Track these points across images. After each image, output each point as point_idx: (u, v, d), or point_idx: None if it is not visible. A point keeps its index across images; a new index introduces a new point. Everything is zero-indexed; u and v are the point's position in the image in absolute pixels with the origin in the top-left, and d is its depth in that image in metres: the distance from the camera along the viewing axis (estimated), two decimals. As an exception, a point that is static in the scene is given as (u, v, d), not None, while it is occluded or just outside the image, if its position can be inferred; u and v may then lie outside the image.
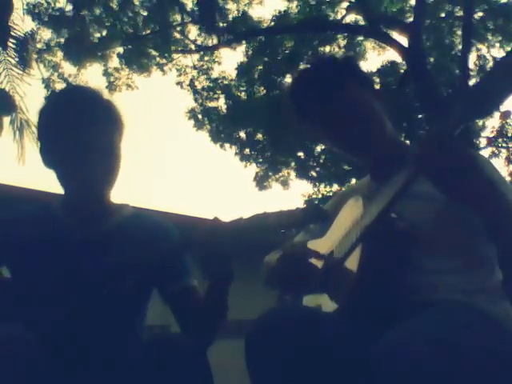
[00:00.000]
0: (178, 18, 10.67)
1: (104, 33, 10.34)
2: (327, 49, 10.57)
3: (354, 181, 10.08)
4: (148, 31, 10.62)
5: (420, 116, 9.71)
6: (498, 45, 10.68)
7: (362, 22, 10.27)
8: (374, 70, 10.49)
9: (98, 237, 1.37)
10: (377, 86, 6.05)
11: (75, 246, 1.34)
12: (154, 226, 1.46)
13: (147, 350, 1.22)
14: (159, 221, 1.49)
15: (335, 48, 10.61)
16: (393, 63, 10.46)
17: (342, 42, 10.85)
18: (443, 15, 10.74)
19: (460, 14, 9.98)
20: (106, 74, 10.95)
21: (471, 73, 9.37)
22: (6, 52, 6.10)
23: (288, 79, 9.99)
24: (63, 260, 1.30)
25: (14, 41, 6.11)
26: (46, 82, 10.39)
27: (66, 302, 1.27)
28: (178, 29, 10.73)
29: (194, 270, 1.44)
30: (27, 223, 1.38)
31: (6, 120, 6.17)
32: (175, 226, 1.49)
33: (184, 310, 1.42)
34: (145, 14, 10.45)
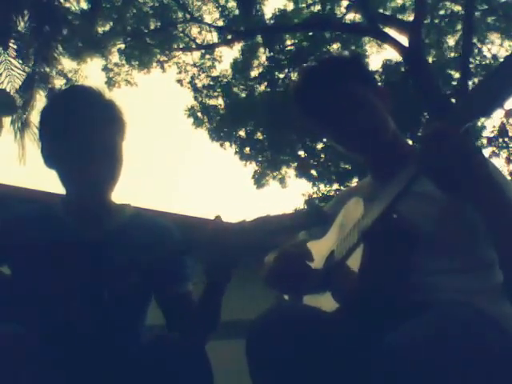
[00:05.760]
0: (180, 15, 10.67)
1: (107, 27, 10.29)
2: (333, 46, 10.53)
3: (354, 180, 10.06)
4: (151, 27, 10.60)
5: (424, 114, 9.68)
6: (498, 43, 10.68)
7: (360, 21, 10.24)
8: (377, 68, 10.47)
9: (99, 237, 1.37)
10: (381, 85, 6.03)
11: (76, 246, 1.34)
12: (156, 227, 1.45)
13: (148, 349, 1.23)
14: (161, 221, 1.49)
15: (340, 46, 10.55)
16: (396, 62, 10.43)
17: (348, 41, 10.79)
18: (443, 13, 10.72)
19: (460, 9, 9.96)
20: (106, 69, 10.92)
21: (472, 71, 9.36)
22: (6, 52, 6.09)
23: (292, 76, 9.95)
24: (64, 260, 1.30)
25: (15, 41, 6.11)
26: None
27: (66, 302, 1.27)
28: (180, 26, 10.71)
29: (193, 273, 1.44)
30: (28, 223, 1.38)
31: (7, 120, 6.17)
32: (175, 226, 1.48)
33: (175, 316, 1.42)
34: (146, 10, 10.43)
